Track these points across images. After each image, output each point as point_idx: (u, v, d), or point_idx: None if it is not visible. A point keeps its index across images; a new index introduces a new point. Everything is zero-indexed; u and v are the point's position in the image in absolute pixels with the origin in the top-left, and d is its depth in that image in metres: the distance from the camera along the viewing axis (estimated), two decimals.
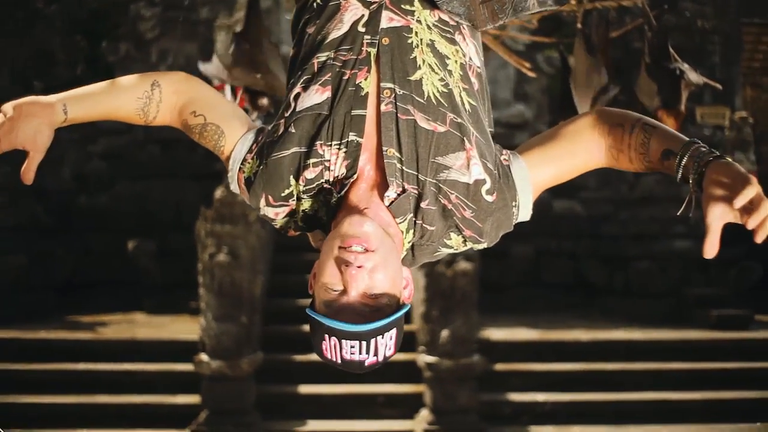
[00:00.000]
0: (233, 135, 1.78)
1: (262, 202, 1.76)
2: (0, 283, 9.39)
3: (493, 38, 4.54)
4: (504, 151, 1.78)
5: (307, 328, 1.62)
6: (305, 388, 7.92)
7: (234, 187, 1.80)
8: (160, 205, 10.61)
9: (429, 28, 1.75)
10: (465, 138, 1.69)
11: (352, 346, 1.55)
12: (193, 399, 7.60)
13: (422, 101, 1.69)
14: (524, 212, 1.75)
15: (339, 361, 1.58)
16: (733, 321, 9.18)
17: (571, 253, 10.62)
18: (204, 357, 7.45)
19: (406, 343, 7.75)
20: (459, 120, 1.70)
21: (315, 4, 1.84)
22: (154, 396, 7.73)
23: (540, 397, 7.87)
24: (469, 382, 7.57)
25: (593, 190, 10.96)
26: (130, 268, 10.09)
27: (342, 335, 1.55)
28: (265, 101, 4.93)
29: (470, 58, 1.81)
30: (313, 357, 7.41)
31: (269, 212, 1.78)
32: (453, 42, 1.78)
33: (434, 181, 1.68)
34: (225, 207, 7.66)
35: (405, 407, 7.81)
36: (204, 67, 5.07)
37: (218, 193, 7.83)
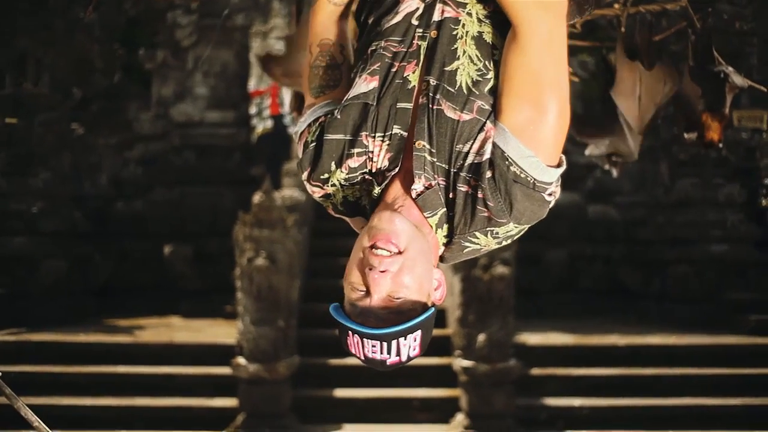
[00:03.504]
0: (330, 96, 1.84)
1: (305, 175, 1.80)
2: (40, 287, 9.56)
3: None
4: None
5: None
6: (341, 392, 7.95)
7: (296, 138, 1.84)
8: (195, 210, 10.71)
9: (480, 20, 1.72)
10: (488, 120, 1.65)
11: (373, 346, 1.58)
12: (230, 402, 7.65)
13: (452, 90, 1.67)
14: (531, 167, 1.61)
15: (362, 357, 1.61)
16: None
17: (606, 258, 10.56)
18: (241, 360, 7.50)
19: (442, 347, 7.79)
20: (486, 107, 1.66)
21: None
22: (191, 399, 7.79)
23: (576, 402, 7.83)
24: (506, 387, 7.56)
25: (628, 195, 10.89)
26: (167, 272, 10.21)
27: (363, 335, 1.58)
28: None
29: None
30: (349, 361, 7.45)
31: (307, 186, 1.81)
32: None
33: (455, 169, 1.66)
34: (263, 212, 7.72)
35: (441, 411, 7.81)
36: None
37: (257, 197, 7.88)
